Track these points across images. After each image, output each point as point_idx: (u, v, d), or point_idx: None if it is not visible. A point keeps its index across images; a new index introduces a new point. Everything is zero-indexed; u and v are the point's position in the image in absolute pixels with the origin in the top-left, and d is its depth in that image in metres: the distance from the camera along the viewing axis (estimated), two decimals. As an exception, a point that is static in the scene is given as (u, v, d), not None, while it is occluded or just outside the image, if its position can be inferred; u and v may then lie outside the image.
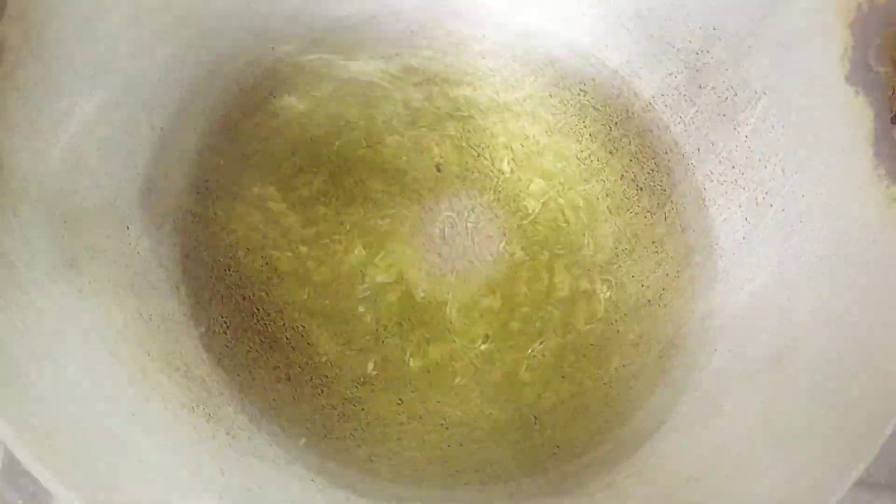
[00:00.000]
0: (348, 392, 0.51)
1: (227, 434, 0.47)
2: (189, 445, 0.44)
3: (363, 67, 0.58)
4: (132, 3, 0.51)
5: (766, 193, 0.54)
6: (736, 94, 0.56)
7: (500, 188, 0.57)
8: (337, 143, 0.56)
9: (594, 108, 0.60)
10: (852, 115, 0.49)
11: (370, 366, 0.52)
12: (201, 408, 0.47)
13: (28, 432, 0.36)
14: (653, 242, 0.57)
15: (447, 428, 0.51)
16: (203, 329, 0.51)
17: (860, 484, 0.52)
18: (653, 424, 0.50)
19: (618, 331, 0.54)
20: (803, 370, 0.46)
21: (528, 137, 0.59)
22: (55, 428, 0.38)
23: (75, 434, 0.39)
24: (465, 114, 0.59)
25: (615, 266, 0.56)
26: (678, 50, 0.58)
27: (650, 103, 0.59)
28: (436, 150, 0.57)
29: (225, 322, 0.51)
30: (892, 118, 0.48)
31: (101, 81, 0.50)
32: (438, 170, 0.56)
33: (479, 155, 0.57)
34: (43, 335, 0.41)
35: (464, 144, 0.58)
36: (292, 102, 0.57)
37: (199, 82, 0.55)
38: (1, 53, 0.44)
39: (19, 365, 0.39)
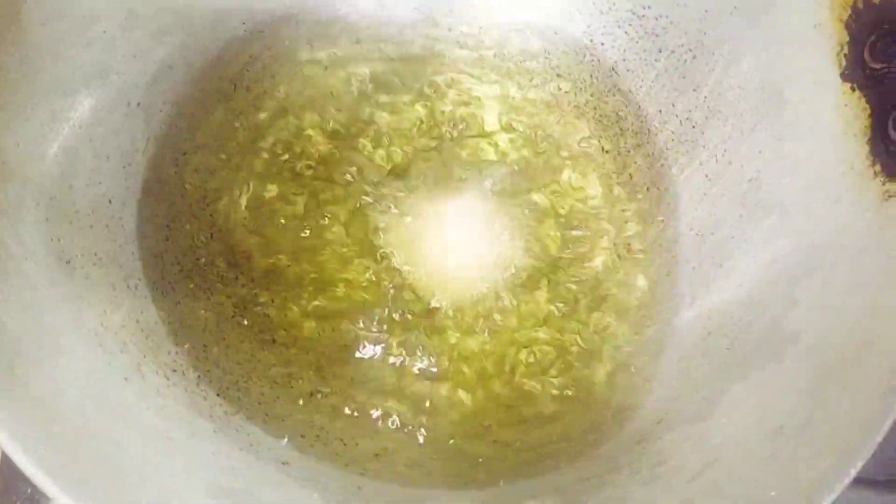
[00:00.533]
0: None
1: (226, 434, 0.47)
2: (187, 446, 0.44)
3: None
4: (126, 7, 0.51)
5: (726, 151, 0.56)
6: (695, 57, 0.58)
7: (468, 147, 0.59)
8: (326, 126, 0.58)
9: (558, 74, 0.61)
10: (848, 111, 0.49)
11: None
12: (199, 408, 0.47)
13: (23, 434, 0.36)
14: (618, 201, 0.58)
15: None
16: (200, 330, 0.51)
17: (857, 481, 0.52)
18: (650, 423, 0.50)
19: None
20: (800, 366, 0.46)
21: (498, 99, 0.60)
22: (50, 429, 0.38)
23: (71, 435, 0.39)
24: (435, 86, 0.60)
25: (581, 223, 0.57)
26: (639, 17, 0.60)
27: (613, 68, 0.61)
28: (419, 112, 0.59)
29: (220, 322, 0.51)
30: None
31: (97, 83, 0.50)
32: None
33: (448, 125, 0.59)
34: (38, 337, 0.41)
35: (430, 114, 0.59)
36: (283, 94, 0.58)
37: (192, 81, 0.56)
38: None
39: (13, 366, 0.38)
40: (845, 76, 0.49)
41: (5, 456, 0.36)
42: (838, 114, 0.50)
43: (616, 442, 0.50)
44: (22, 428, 0.36)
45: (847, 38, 0.49)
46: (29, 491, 0.52)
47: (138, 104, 0.53)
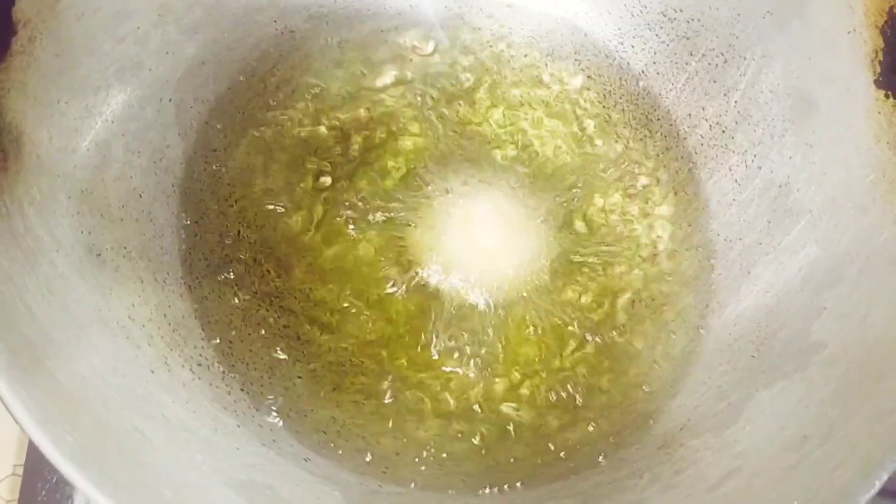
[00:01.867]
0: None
1: (249, 429, 0.47)
2: (210, 440, 0.45)
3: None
4: (159, 3, 0.52)
5: (756, 157, 0.56)
6: (726, 61, 0.57)
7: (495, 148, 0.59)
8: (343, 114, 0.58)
9: (588, 76, 0.61)
10: (881, 118, 0.49)
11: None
12: (223, 402, 0.48)
13: (49, 423, 0.36)
14: (646, 205, 0.58)
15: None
16: (226, 325, 0.51)
17: (884, 492, 0.52)
18: (673, 429, 0.50)
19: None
20: (824, 376, 0.45)
21: (524, 105, 0.60)
22: (76, 419, 0.38)
23: (96, 426, 0.39)
24: (465, 86, 0.60)
25: (607, 227, 0.57)
26: (671, 20, 0.59)
27: (643, 71, 0.61)
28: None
29: (246, 318, 0.52)
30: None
31: (130, 78, 0.51)
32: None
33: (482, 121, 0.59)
34: (66, 328, 0.42)
35: (460, 113, 0.59)
36: (313, 94, 0.58)
37: (223, 79, 0.56)
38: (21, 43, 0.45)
39: (42, 357, 0.39)
40: (879, 83, 0.49)
41: (31, 443, 0.37)
42: (870, 121, 0.49)
43: (638, 447, 0.50)
44: (48, 417, 0.37)
45: (882, 45, 0.49)
46: (54, 479, 0.53)
47: (170, 100, 0.54)
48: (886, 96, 0.49)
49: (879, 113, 0.49)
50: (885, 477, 0.39)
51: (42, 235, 0.43)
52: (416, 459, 0.50)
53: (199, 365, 0.49)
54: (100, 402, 0.41)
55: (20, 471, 0.56)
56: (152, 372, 0.45)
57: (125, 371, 0.44)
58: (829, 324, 0.47)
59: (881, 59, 0.49)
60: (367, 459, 0.49)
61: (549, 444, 0.51)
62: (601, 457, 0.50)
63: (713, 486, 0.45)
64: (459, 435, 0.51)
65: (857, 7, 0.49)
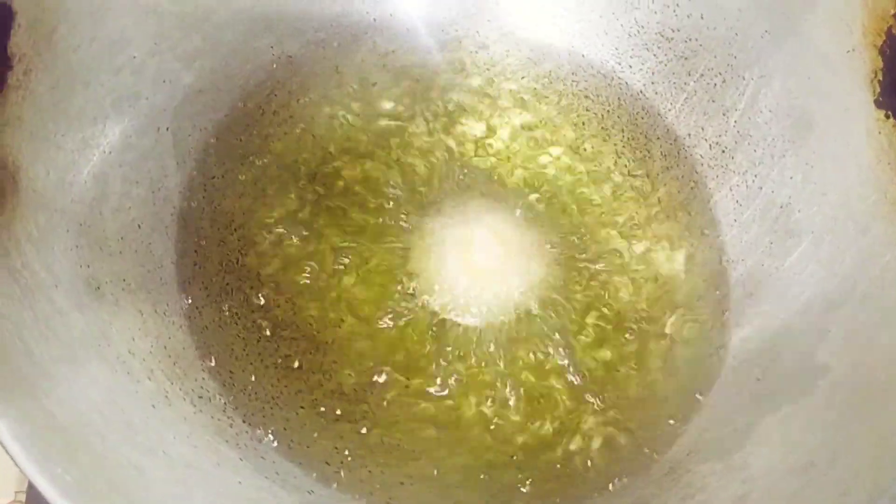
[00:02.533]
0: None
1: (252, 463, 0.47)
2: (212, 474, 0.44)
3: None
4: (154, 33, 0.52)
5: (756, 177, 0.56)
6: (724, 81, 0.57)
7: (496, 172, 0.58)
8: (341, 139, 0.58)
9: (586, 97, 0.61)
10: (881, 138, 0.49)
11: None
12: (225, 435, 0.47)
13: (47, 462, 0.36)
14: (648, 225, 0.58)
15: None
16: (227, 355, 0.51)
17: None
18: (680, 455, 0.50)
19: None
20: (830, 400, 0.45)
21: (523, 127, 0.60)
22: (75, 457, 0.38)
23: (94, 463, 0.39)
24: (463, 108, 0.60)
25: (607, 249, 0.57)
26: (668, 39, 0.59)
27: (641, 91, 0.61)
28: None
29: (248, 347, 0.51)
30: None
31: (127, 108, 0.51)
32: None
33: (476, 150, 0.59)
34: (64, 364, 0.42)
35: (459, 137, 0.59)
36: (310, 120, 0.58)
37: (221, 107, 0.56)
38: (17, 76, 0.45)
39: (39, 394, 0.39)
40: (879, 103, 0.49)
41: (30, 482, 0.37)
42: (871, 141, 0.49)
43: (644, 474, 0.50)
44: (45, 455, 0.36)
45: (881, 65, 0.49)
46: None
47: (167, 129, 0.53)
48: (887, 116, 0.48)
49: (880, 133, 0.49)
50: (887, 501, 0.38)
51: (40, 271, 0.43)
52: (420, 488, 0.49)
53: (201, 398, 0.48)
54: (98, 439, 0.40)
55: (22, 497, 0.56)
56: (153, 406, 0.45)
57: (125, 406, 0.43)
58: (833, 347, 0.47)
59: (881, 78, 0.49)
60: (371, 490, 0.49)
61: (555, 473, 0.50)
62: (606, 484, 0.50)
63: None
64: (462, 465, 0.50)
65: (856, 27, 0.49)
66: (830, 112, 0.52)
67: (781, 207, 0.54)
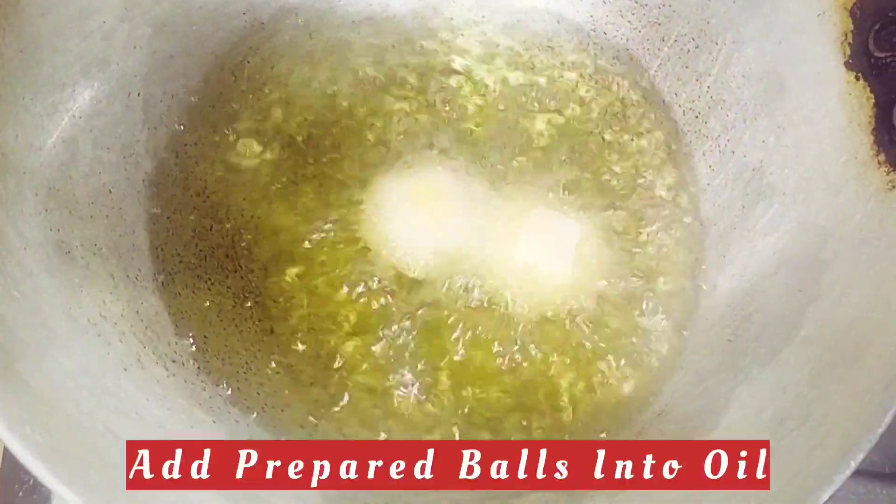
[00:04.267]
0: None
1: (225, 425, 0.47)
2: (185, 437, 0.44)
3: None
4: (124, -1, 0.51)
5: (729, 141, 0.56)
6: (697, 46, 0.57)
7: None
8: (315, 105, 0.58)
9: (562, 63, 0.61)
10: (852, 100, 0.49)
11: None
12: (198, 399, 0.47)
13: (21, 426, 0.36)
14: (623, 190, 0.58)
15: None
16: (200, 320, 0.51)
17: (863, 473, 0.52)
18: (650, 415, 0.50)
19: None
20: (801, 358, 0.46)
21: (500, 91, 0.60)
22: (48, 421, 0.38)
23: (68, 427, 0.39)
24: (438, 74, 0.60)
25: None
26: (642, 5, 0.60)
27: (616, 57, 0.61)
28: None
29: (221, 313, 0.51)
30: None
31: (96, 73, 0.50)
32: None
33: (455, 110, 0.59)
34: (36, 328, 0.41)
35: (436, 103, 0.59)
36: (284, 86, 0.58)
37: (193, 72, 0.56)
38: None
39: (11, 358, 0.39)
40: (849, 65, 0.49)
41: (6, 447, 0.37)
42: (842, 103, 0.49)
43: (616, 435, 0.50)
44: (20, 420, 0.36)
45: (851, 27, 0.49)
46: (31, 481, 0.53)
47: (138, 94, 0.53)
48: (857, 78, 0.49)
49: (850, 94, 0.49)
50: (860, 457, 0.39)
51: (9, 234, 0.43)
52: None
53: (174, 362, 0.48)
54: (71, 403, 0.40)
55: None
56: (125, 370, 0.45)
57: (97, 370, 0.43)
58: (804, 306, 0.47)
59: (850, 41, 0.49)
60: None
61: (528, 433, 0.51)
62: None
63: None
64: (437, 432, 0.50)
65: (827, -11, 0.49)
66: (802, 75, 0.52)
67: (754, 171, 0.54)
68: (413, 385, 0.51)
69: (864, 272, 0.45)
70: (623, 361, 0.52)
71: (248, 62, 0.58)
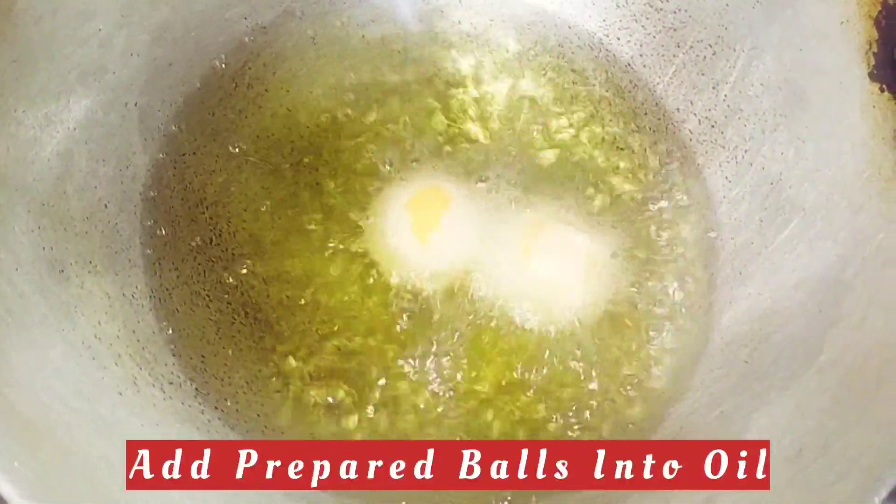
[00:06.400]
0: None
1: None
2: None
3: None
4: (122, 4, 0.49)
5: (747, 152, 0.54)
6: (714, 53, 0.56)
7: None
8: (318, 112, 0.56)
9: (573, 69, 0.59)
10: (876, 112, 0.47)
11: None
12: (196, 423, 0.46)
13: (9, 462, 0.35)
14: (634, 203, 0.56)
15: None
16: (198, 340, 0.49)
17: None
18: (666, 437, 0.49)
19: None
20: (820, 384, 0.44)
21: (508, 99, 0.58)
22: (37, 453, 0.37)
23: (59, 457, 0.38)
24: (445, 79, 0.58)
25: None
26: (657, 10, 0.58)
27: (629, 64, 0.59)
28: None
29: (220, 331, 0.50)
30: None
31: (92, 83, 0.49)
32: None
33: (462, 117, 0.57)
34: (27, 351, 0.40)
35: (443, 110, 0.57)
36: (286, 93, 0.56)
37: (192, 80, 0.54)
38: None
39: (2, 385, 0.37)
40: (874, 76, 0.47)
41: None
42: (865, 115, 0.47)
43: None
44: (7, 454, 0.35)
45: (876, 36, 0.47)
46: None
47: (136, 104, 0.51)
48: (881, 90, 0.47)
49: (874, 107, 0.47)
50: (884, 494, 0.37)
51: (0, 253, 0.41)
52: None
53: (171, 383, 0.47)
54: (63, 430, 0.39)
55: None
56: (120, 394, 0.43)
57: (90, 394, 0.42)
58: (825, 328, 0.46)
59: (875, 50, 0.47)
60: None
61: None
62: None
63: (707, 500, 0.43)
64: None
65: (850, -4, 0.47)
66: (824, 85, 0.50)
67: (772, 184, 0.52)
68: (422, 404, 0.50)
69: (888, 295, 0.44)
70: (632, 382, 0.51)
71: (249, 68, 0.56)
